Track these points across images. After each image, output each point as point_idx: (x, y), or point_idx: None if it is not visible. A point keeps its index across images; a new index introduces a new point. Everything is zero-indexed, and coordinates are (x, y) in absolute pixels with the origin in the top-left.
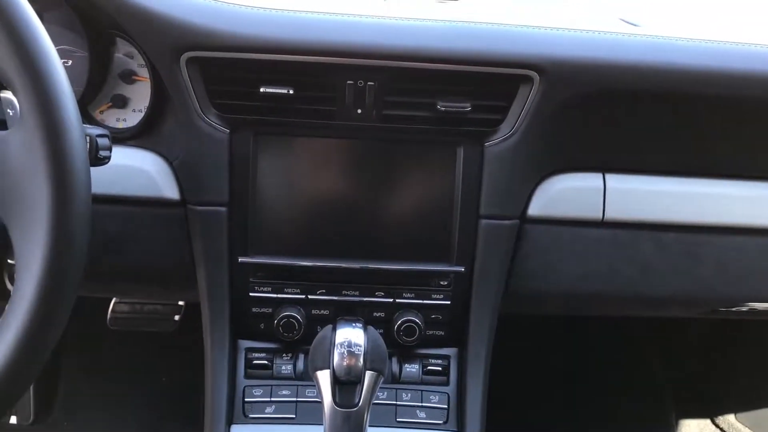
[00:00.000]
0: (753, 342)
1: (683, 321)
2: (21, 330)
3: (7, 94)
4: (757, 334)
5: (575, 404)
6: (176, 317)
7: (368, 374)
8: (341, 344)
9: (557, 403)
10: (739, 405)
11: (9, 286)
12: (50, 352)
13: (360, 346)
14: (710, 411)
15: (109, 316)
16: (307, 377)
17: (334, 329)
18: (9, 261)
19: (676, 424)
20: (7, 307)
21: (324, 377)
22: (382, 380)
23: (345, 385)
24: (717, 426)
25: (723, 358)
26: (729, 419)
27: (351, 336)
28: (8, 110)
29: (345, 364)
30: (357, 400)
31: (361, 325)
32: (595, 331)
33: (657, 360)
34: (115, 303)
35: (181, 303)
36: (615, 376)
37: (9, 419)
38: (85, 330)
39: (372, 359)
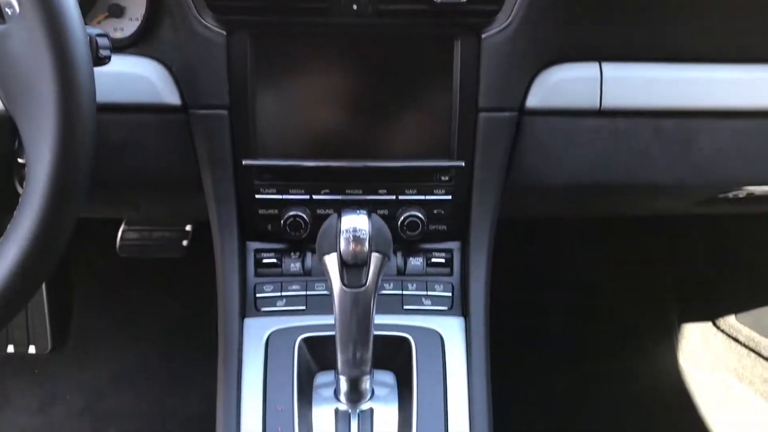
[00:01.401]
0: (752, 244)
1: (687, 224)
2: (37, 216)
3: None
4: (756, 236)
5: (577, 307)
6: (184, 242)
7: (374, 256)
8: (347, 230)
9: (557, 308)
10: (739, 306)
11: (19, 190)
12: (66, 241)
13: (365, 231)
14: (712, 314)
15: (118, 244)
16: (316, 272)
17: (340, 217)
18: (19, 160)
19: (679, 327)
20: (21, 198)
21: (332, 261)
22: (387, 263)
23: (352, 267)
24: (718, 328)
25: (724, 262)
26: (729, 320)
27: (356, 222)
28: (6, 9)
29: (351, 248)
30: (364, 281)
31: (365, 212)
32: (597, 236)
33: (660, 264)
34: (123, 231)
35: (188, 228)
36: (618, 280)
37: (28, 349)
38: (96, 260)
39: (377, 243)
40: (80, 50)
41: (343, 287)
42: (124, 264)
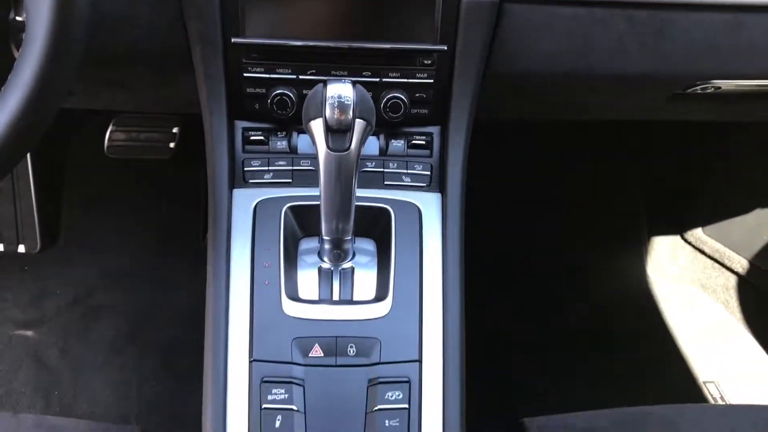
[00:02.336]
0: (722, 157)
1: (660, 137)
2: (37, 66)
3: None
4: (726, 148)
5: (550, 217)
6: (171, 144)
7: (357, 122)
8: (332, 96)
9: (532, 210)
10: (706, 219)
11: (15, 54)
12: (61, 100)
13: (349, 98)
14: (681, 227)
15: (106, 144)
16: (302, 149)
17: (326, 85)
18: (17, 18)
19: (648, 239)
20: (20, 50)
21: (317, 126)
22: (370, 131)
23: (336, 132)
24: (686, 240)
25: (695, 175)
26: (697, 233)
27: (341, 90)
28: None
29: (336, 114)
30: (348, 145)
31: (350, 81)
32: (573, 146)
33: (633, 177)
34: (111, 131)
35: (175, 130)
36: (591, 192)
37: (17, 248)
38: (86, 162)
39: (360, 110)
40: None
41: (329, 151)
42: (113, 165)
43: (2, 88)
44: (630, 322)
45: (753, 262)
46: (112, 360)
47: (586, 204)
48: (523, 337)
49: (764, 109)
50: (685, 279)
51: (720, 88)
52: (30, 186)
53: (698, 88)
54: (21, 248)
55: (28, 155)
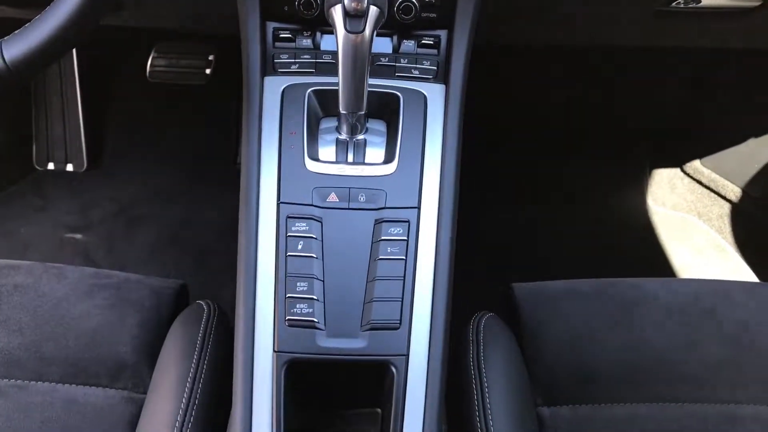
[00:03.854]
0: (724, 88)
1: (662, 70)
2: None
3: None
4: (726, 81)
5: (553, 146)
6: (207, 71)
7: (372, 9)
8: None
9: (534, 143)
10: (705, 151)
11: None
12: None
13: None
14: (680, 159)
15: (148, 70)
16: (324, 46)
17: None
18: None
19: (650, 172)
20: None
21: (337, 12)
22: (382, 19)
23: (353, 17)
24: (685, 173)
25: (697, 108)
26: (695, 164)
27: None
28: None
29: (353, 1)
30: (363, 28)
31: None
32: (580, 83)
33: (637, 111)
34: (153, 58)
35: (210, 58)
36: (596, 126)
37: (66, 167)
38: (128, 87)
39: None
40: None
41: (346, 33)
42: (153, 90)
43: None
44: (631, 247)
45: (745, 190)
46: (153, 259)
47: (591, 139)
48: (522, 252)
49: (740, 32)
50: (683, 208)
51: (699, 2)
52: (78, 110)
53: (681, 2)
54: (69, 167)
55: (77, 82)
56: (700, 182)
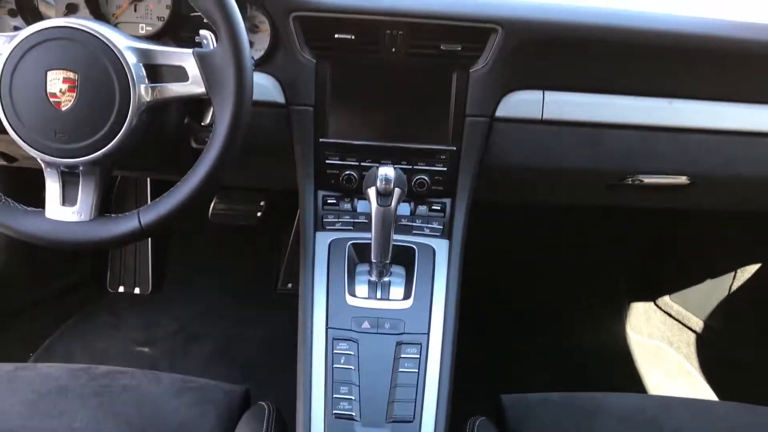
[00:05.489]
0: (684, 240)
1: (637, 221)
2: (221, 146)
3: (204, 32)
4: (688, 234)
5: (546, 284)
6: (258, 214)
7: (396, 190)
8: (382, 175)
9: (520, 281)
10: (673, 288)
11: (194, 144)
12: (234, 161)
13: (392, 177)
14: (652, 294)
15: (210, 212)
16: (360, 210)
17: (378, 167)
18: (202, 124)
19: (628, 305)
20: (207, 143)
21: (372, 192)
22: (403, 196)
23: (383, 195)
24: (657, 306)
25: (665, 253)
26: (665, 299)
27: (387, 172)
28: (204, 41)
29: (383, 185)
30: (390, 203)
31: (392, 166)
32: (560, 227)
33: (615, 254)
34: (215, 203)
35: (262, 204)
36: (581, 264)
37: (134, 290)
38: (189, 225)
39: (397, 183)
40: (248, 64)
41: (378, 206)
42: (212, 228)
43: (197, 160)
44: (608, 371)
45: (707, 322)
46: (207, 370)
47: (577, 276)
48: (513, 369)
49: (680, 198)
50: (657, 336)
51: (643, 181)
52: (148, 245)
53: (628, 180)
54: (136, 290)
55: None
56: (670, 315)
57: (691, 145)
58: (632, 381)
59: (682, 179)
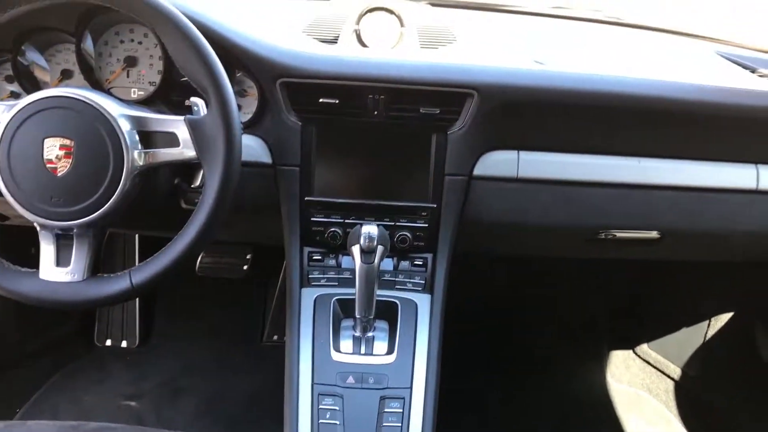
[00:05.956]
0: (660, 293)
1: (615, 271)
2: (210, 207)
3: (195, 99)
4: (663, 287)
5: (531, 328)
6: (245, 267)
7: (379, 248)
8: (365, 233)
9: (501, 330)
10: (650, 337)
11: (184, 205)
12: (223, 222)
13: (375, 234)
14: (632, 343)
15: (197, 266)
16: (344, 265)
17: (362, 226)
18: (191, 186)
19: (608, 353)
20: (197, 205)
21: (356, 249)
22: (386, 252)
23: (367, 253)
24: (636, 354)
25: (643, 305)
26: (644, 347)
27: (370, 230)
28: (194, 107)
29: (367, 242)
30: (373, 260)
31: (375, 224)
32: (541, 278)
33: (598, 305)
34: (202, 257)
35: (248, 257)
36: (565, 314)
37: (121, 343)
38: (174, 278)
39: (380, 240)
40: (237, 130)
41: (362, 263)
42: (198, 282)
43: (188, 221)
44: (589, 419)
45: (684, 370)
46: (194, 424)
47: (558, 326)
48: (495, 415)
49: (652, 251)
50: (636, 384)
51: (616, 235)
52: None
53: (602, 235)
54: (124, 343)
55: None
56: (648, 363)
57: (659, 201)
58: (613, 429)
59: (653, 234)
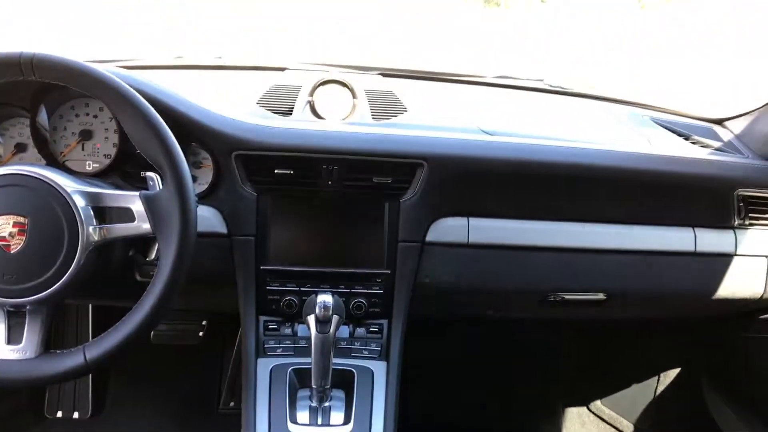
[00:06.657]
0: (614, 354)
1: (567, 331)
2: (166, 280)
3: (151, 174)
4: (618, 349)
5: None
6: (200, 333)
7: (334, 317)
8: (320, 302)
9: (455, 389)
10: (603, 394)
11: (139, 278)
12: (180, 292)
13: (330, 303)
14: (586, 400)
15: (152, 333)
16: (300, 334)
17: (317, 295)
18: (147, 259)
19: (563, 410)
20: (153, 278)
21: (311, 319)
22: (341, 321)
23: (322, 322)
24: (590, 411)
25: (597, 366)
26: (597, 404)
27: (325, 298)
28: (150, 182)
29: (322, 312)
30: (328, 330)
31: (330, 292)
32: (495, 338)
33: (551, 364)
34: None
35: (203, 323)
36: (519, 374)
37: (72, 414)
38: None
39: (335, 310)
40: (192, 205)
41: (317, 333)
42: (153, 349)
43: (143, 295)
44: None
45: (636, 425)
46: None
47: (513, 384)
48: None
49: (600, 312)
50: None
51: (564, 298)
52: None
53: (551, 297)
54: (75, 415)
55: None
56: (602, 419)
57: (604, 264)
58: None
59: (599, 295)
